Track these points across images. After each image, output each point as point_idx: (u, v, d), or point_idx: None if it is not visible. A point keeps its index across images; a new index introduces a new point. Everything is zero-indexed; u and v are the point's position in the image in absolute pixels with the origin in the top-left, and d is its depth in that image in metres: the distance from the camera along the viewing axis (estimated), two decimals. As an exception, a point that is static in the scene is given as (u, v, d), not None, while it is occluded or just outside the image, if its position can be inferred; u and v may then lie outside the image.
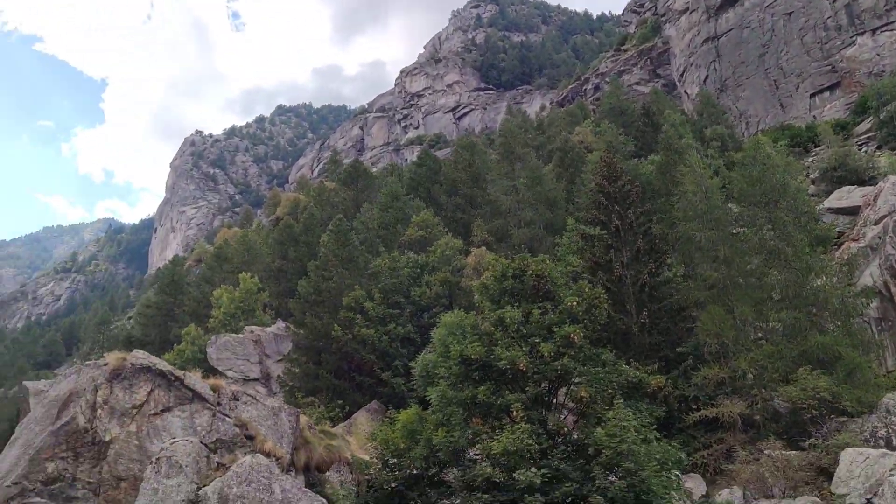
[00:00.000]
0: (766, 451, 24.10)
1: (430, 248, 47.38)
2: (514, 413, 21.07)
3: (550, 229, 52.68)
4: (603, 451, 19.13)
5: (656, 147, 57.88)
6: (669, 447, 20.07)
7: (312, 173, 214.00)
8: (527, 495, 19.02)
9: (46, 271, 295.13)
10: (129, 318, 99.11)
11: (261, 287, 55.45)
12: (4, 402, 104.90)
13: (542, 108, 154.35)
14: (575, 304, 22.72)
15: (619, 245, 32.72)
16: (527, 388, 21.94)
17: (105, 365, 25.17)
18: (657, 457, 19.06)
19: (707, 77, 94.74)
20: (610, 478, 19.01)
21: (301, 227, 65.52)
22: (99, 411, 24.08)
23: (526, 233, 52.74)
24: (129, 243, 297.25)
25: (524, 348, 22.01)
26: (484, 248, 47.65)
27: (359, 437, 32.90)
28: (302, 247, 61.14)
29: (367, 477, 24.91)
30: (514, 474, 19.35)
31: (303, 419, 27.26)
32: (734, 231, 34.41)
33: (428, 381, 26.89)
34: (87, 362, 26.93)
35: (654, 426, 21.01)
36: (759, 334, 31.43)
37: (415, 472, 23.90)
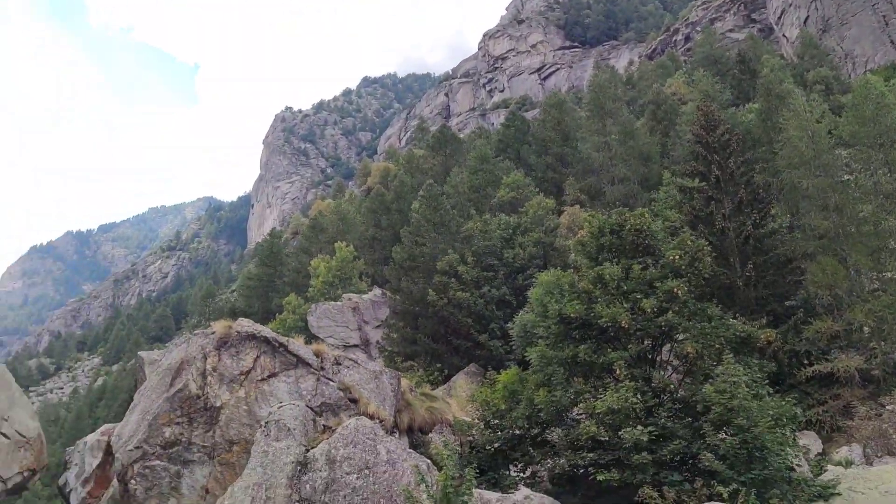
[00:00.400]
0: (888, 407, 22.84)
1: (522, 209, 46.86)
2: (618, 371, 20.59)
3: (645, 185, 51.17)
4: (712, 407, 18.47)
5: (754, 94, 55.17)
6: (783, 403, 19.20)
7: (400, 143, 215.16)
8: (633, 454, 18.62)
9: (153, 250, 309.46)
10: (232, 291, 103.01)
11: (356, 255, 56.30)
12: (123, 374, 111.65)
13: (631, 63, 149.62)
14: (677, 257, 21.91)
15: (720, 196, 31.39)
16: (629, 346, 21.40)
17: (212, 334, 26.07)
18: (770, 412, 18.24)
19: (808, 18, 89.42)
20: (720, 435, 18.37)
21: (392, 195, 66.03)
22: (209, 378, 25.00)
23: (620, 189, 51.43)
24: (228, 220, 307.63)
25: (625, 305, 21.39)
26: (577, 206, 46.76)
27: (458, 400, 33.07)
28: (394, 214, 61.67)
29: (469, 438, 24.98)
30: (619, 433, 18.97)
31: (404, 382, 27.54)
32: (844, 177, 32.46)
33: (526, 341, 26.68)
34: (196, 332, 28.03)
35: (766, 381, 20.14)
36: (876, 284, 29.67)
37: (517, 432, 23.84)
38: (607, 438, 19.69)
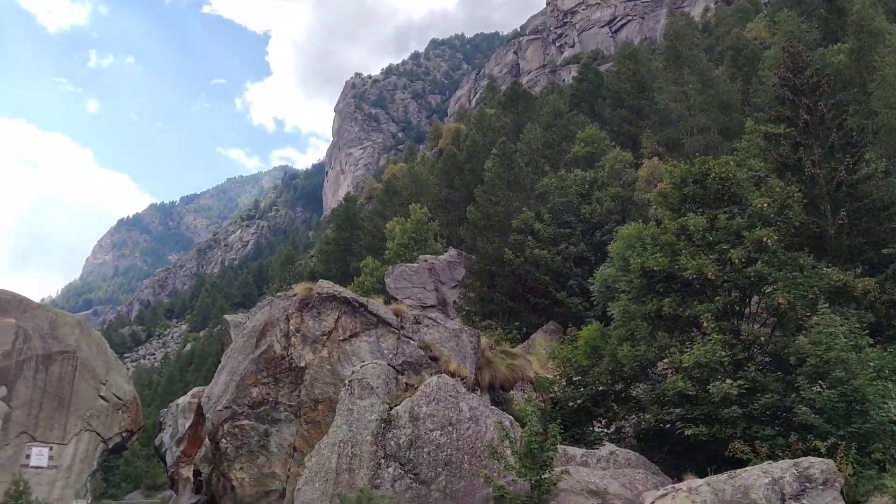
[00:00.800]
0: None
1: (598, 163, 45.87)
2: (704, 324, 19.96)
3: (726, 134, 49.25)
4: (807, 359, 17.72)
5: (843, 34, 52.13)
6: (885, 354, 18.26)
7: (470, 104, 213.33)
8: (722, 408, 18.11)
9: (233, 220, 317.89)
10: (311, 256, 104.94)
11: (430, 217, 56.32)
12: (210, 339, 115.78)
13: (707, 9, 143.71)
14: (765, 205, 20.98)
15: (809, 142, 29.85)
16: (716, 298, 20.71)
17: (294, 296, 26.50)
18: (871, 364, 17.39)
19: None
20: (815, 388, 17.64)
21: (464, 155, 65.63)
22: (292, 339, 25.47)
23: (699, 140, 49.65)
24: (303, 188, 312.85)
25: (711, 256, 20.66)
26: (655, 158, 45.43)
27: (538, 357, 32.87)
28: (467, 174, 61.32)
29: (551, 395, 24.81)
30: (707, 387, 18.45)
31: (483, 340, 27.51)
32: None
33: (608, 296, 26.16)
34: (278, 294, 28.52)
35: (865, 332, 19.17)
36: None
37: (600, 388, 23.54)
38: (695, 393, 19.20)
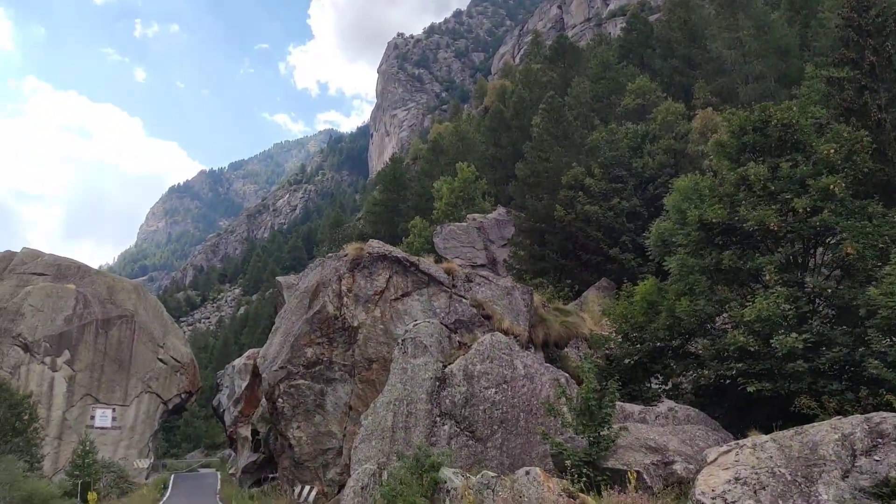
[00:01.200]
0: None
1: (650, 115, 44.65)
2: (767, 277, 19.29)
3: (784, 82, 47.36)
4: (878, 311, 16.95)
5: (911, -30, 49.37)
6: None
7: (515, 60, 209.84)
8: (787, 363, 17.52)
9: (281, 184, 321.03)
10: (358, 219, 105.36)
11: (478, 175, 55.76)
12: (263, 302, 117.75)
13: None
14: (832, 151, 20.00)
15: (875, 85, 28.34)
16: (779, 250, 19.99)
17: (345, 256, 26.50)
18: (947, 316, 16.58)
19: None
20: (886, 341, 16.90)
21: (511, 111, 64.59)
22: (345, 299, 25.50)
23: (755, 88, 47.80)
24: (349, 151, 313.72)
25: (773, 206, 19.85)
26: (710, 109, 43.97)
27: (591, 315, 32.45)
28: (514, 131, 60.40)
29: (606, 351, 24.43)
30: (770, 341, 17.84)
31: (536, 297, 27.20)
32: None
33: (664, 250, 25.50)
34: (329, 255, 28.61)
35: (942, 282, 18.26)
36: None
37: (657, 344, 23.08)
38: (756, 348, 18.61)
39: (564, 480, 13.00)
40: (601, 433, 17.28)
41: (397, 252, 26.32)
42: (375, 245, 26.45)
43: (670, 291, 22.74)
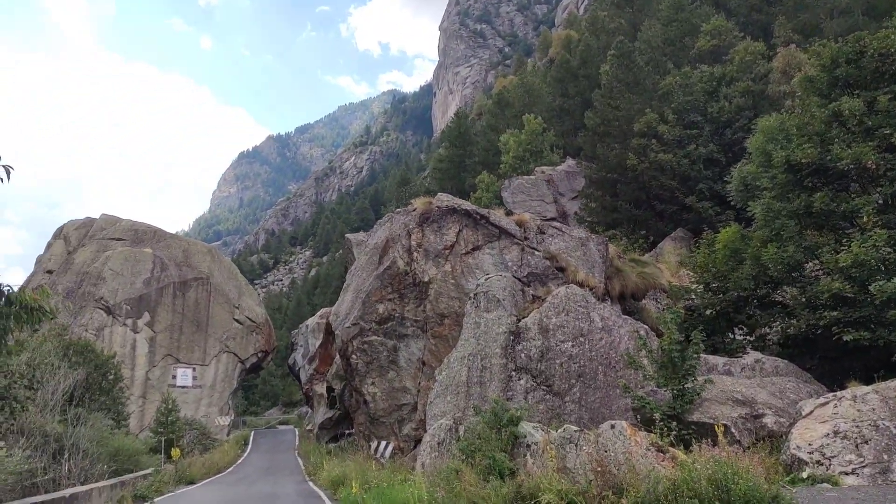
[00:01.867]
0: None
1: (726, 57, 42.47)
2: (865, 219, 18.01)
3: (872, 14, 44.30)
4: None
5: None
6: None
7: (579, 10, 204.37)
8: (888, 310, 16.36)
9: (347, 147, 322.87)
10: (424, 177, 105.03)
11: (545, 127, 54.42)
12: (333, 263, 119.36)
13: None
14: (936, 80, 18.44)
15: (980, 10, 26.23)
16: (877, 189, 18.62)
17: (414, 211, 26.06)
18: None
19: None
20: None
21: (578, 61, 62.63)
22: (415, 254, 25.14)
23: (840, 23, 44.86)
24: (412, 111, 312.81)
25: (870, 143, 18.48)
26: (792, 46, 41.45)
27: (668, 266, 31.39)
28: (581, 81, 58.61)
29: (687, 302, 23.47)
30: (868, 287, 16.67)
31: (611, 248, 26.32)
32: None
33: (747, 195, 24.22)
34: (398, 210, 28.21)
35: None
36: None
37: (741, 293, 22.01)
38: (853, 295, 17.48)
39: (652, 434, 12.37)
40: (685, 386, 16.57)
41: (466, 205, 25.73)
42: (444, 198, 25.92)
43: (755, 238, 21.59)
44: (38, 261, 53.56)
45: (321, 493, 21.94)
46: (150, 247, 51.92)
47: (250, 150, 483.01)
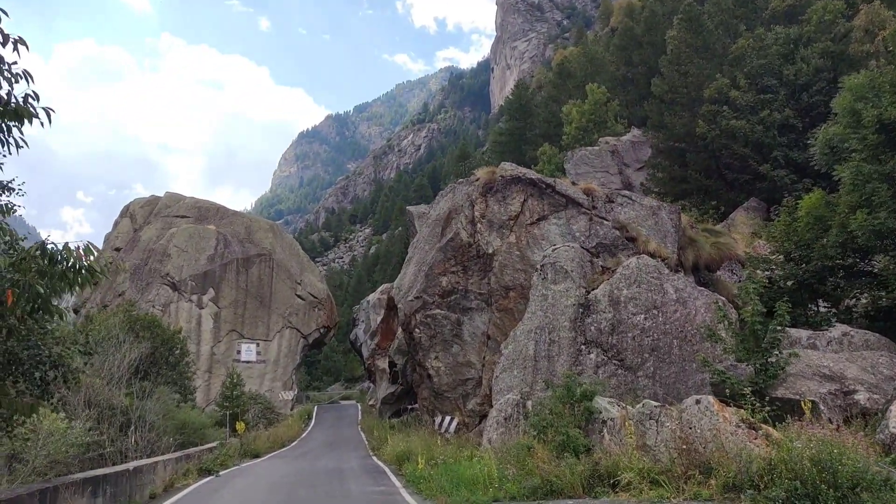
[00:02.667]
0: None
1: (802, 17, 40.21)
2: (967, 180, 16.59)
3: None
4: None
5: None
6: None
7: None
8: None
9: (405, 125, 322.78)
10: (483, 152, 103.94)
11: (609, 97, 52.83)
12: (392, 240, 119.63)
13: None
14: None
15: None
16: (983, 148, 17.15)
17: (476, 181, 25.30)
18: None
19: None
20: None
21: (642, 27, 60.56)
22: (478, 225, 24.42)
23: (928, -23, 42.06)
24: (470, 87, 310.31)
25: (974, 98, 16.98)
26: (877, 2, 38.87)
27: (742, 236, 30.01)
28: (646, 48, 56.65)
29: (766, 273, 22.21)
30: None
31: (684, 218, 25.17)
32: None
33: (833, 158, 22.70)
34: (460, 180, 27.48)
35: None
36: None
37: (826, 263, 20.69)
38: (954, 263, 16.12)
39: (742, 410, 11.48)
40: (768, 360, 15.57)
41: (532, 174, 24.86)
42: (508, 167, 25.10)
43: (842, 204, 20.20)
44: (107, 239, 54.75)
45: (386, 469, 21.63)
46: (213, 224, 52.48)
47: (310, 129, 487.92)
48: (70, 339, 8.87)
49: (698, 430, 11.13)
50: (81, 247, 5.89)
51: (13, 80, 5.79)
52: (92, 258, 5.95)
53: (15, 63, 5.81)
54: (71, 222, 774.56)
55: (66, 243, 5.92)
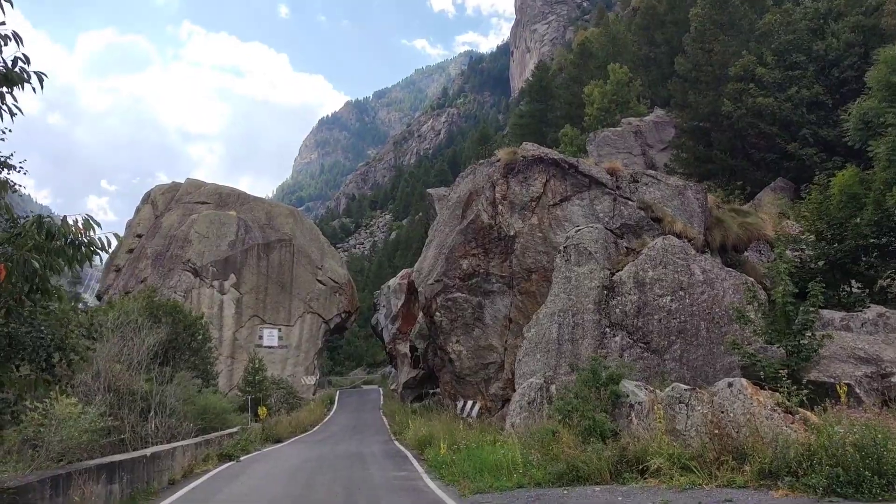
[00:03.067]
0: None
1: (832, -10, 39.15)
2: None
3: None
4: None
5: None
6: None
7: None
8: None
9: (424, 110, 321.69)
10: (504, 135, 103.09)
11: (631, 77, 51.94)
12: (413, 226, 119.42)
13: None
14: None
15: None
16: None
17: (497, 161, 24.83)
18: None
19: None
20: None
21: (665, 6, 59.39)
22: (499, 207, 23.97)
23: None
24: (489, 71, 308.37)
25: None
26: (909, -26, 37.72)
27: (769, 217, 29.28)
28: (669, 27, 55.55)
29: (796, 253, 21.57)
30: None
31: (710, 198, 24.55)
32: None
33: (867, 133, 21.98)
34: (481, 161, 27.01)
35: None
36: None
37: (860, 242, 20.04)
38: None
39: (777, 393, 11.01)
40: (801, 342, 15.01)
41: (554, 154, 24.34)
42: (530, 147, 24.60)
43: (877, 181, 19.55)
44: (128, 225, 54.92)
45: (408, 454, 21.37)
46: (233, 209, 52.43)
47: (329, 116, 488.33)
48: (73, 320, 8.56)
49: (731, 415, 10.68)
50: (80, 220, 5.55)
51: (1, 42, 5.45)
52: (92, 233, 5.62)
53: (2, 23, 5.47)
54: (96, 210, 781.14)
55: (65, 216, 5.59)
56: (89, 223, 5.54)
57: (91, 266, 6.14)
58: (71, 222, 5.56)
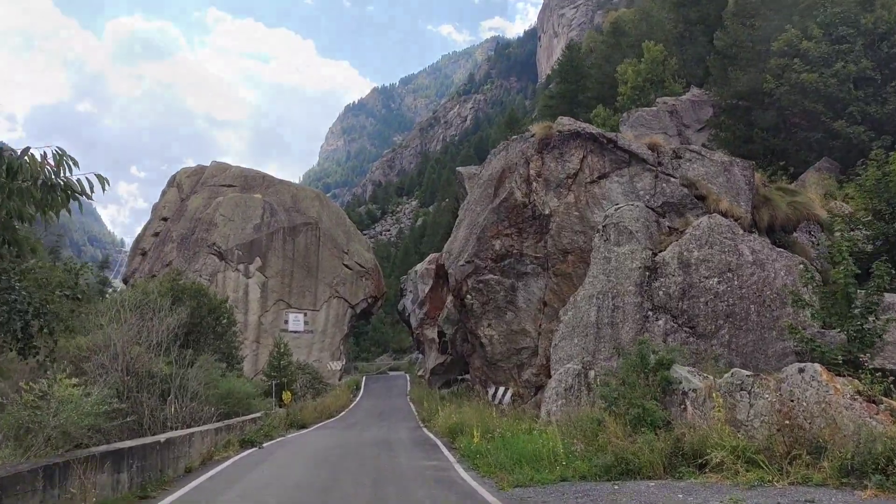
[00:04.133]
0: None
1: (881, -39, 37.31)
2: None
3: None
4: None
5: None
6: None
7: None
8: None
9: (451, 96, 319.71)
10: (532, 119, 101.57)
11: (666, 55, 50.29)
12: (439, 212, 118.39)
13: None
14: None
15: None
16: None
17: (532, 137, 23.69)
18: None
19: None
20: None
21: (701, -18, 57.41)
22: (534, 184, 22.84)
23: None
24: (516, 57, 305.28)
25: None
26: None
27: (816, 197, 27.88)
28: (704, 4, 53.63)
29: (851, 232, 20.26)
30: None
31: (756, 176, 23.26)
32: None
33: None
34: (514, 137, 25.89)
35: None
36: None
37: (922, 220, 18.73)
38: None
39: (856, 381, 9.88)
40: (864, 326, 13.80)
41: (591, 128, 23.18)
42: (566, 122, 23.42)
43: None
44: (154, 208, 54.56)
45: (437, 442, 20.46)
46: (259, 192, 51.78)
47: (356, 102, 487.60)
48: (55, 280, 7.66)
49: (803, 403, 9.57)
50: (50, 154, 4.54)
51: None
52: (68, 172, 4.63)
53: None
54: (126, 196, 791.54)
55: (27, 147, 4.56)
56: (62, 159, 4.56)
57: (70, 214, 5.16)
58: (39, 157, 4.58)
